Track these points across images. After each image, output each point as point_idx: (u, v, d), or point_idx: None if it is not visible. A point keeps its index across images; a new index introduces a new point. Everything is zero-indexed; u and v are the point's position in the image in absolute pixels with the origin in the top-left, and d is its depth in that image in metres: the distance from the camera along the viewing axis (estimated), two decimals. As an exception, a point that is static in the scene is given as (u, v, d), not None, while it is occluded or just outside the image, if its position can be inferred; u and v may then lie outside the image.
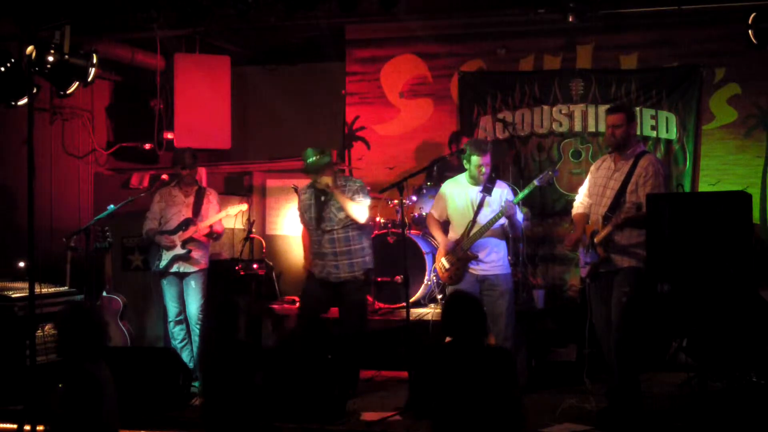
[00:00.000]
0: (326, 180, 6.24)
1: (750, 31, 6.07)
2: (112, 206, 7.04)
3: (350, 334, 6.32)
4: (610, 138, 5.68)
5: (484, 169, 6.20)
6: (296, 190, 6.90)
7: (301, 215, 6.54)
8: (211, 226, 6.86)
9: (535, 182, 6.13)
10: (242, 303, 4.74)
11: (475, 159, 6.19)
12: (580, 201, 5.89)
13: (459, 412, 4.10)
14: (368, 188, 6.68)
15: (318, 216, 6.35)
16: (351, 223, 6.29)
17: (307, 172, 6.31)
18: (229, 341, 4.63)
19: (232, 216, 7.30)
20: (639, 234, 5.35)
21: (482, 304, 4.58)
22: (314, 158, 6.23)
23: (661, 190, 5.50)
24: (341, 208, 6.28)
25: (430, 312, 7.22)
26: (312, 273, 6.45)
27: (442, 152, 8.09)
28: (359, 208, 6.26)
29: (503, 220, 6.12)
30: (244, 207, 7.30)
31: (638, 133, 7.53)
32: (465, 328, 4.28)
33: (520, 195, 6.22)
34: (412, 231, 7.47)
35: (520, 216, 6.30)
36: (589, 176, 5.89)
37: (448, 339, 6.53)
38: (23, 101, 5.74)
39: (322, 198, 6.35)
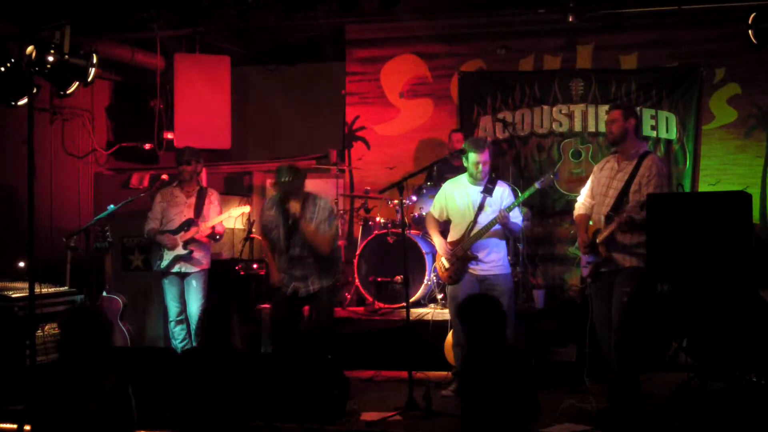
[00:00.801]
0: (295, 207, 6.04)
1: (750, 31, 6.07)
2: (112, 206, 7.03)
3: (323, 333, 6.25)
4: (609, 134, 5.70)
5: (481, 167, 6.19)
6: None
7: (266, 232, 6.29)
8: (212, 227, 6.87)
9: (536, 185, 6.10)
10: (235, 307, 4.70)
11: (472, 156, 6.18)
12: (582, 202, 5.88)
13: (486, 408, 4.23)
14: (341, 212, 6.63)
15: (287, 239, 6.15)
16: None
17: (278, 190, 6.15)
18: (220, 346, 4.61)
19: (234, 217, 7.29)
20: (641, 234, 5.33)
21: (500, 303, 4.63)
22: (287, 178, 6.02)
23: (664, 190, 5.50)
24: None
25: (430, 312, 7.22)
26: (279, 288, 6.27)
27: (442, 152, 8.10)
28: (322, 242, 6.06)
29: (499, 226, 6.14)
30: (247, 209, 7.30)
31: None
32: (485, 331, 4.37)
33: (521, 198, 6.21)
34: (412, 231, 7.47)
35: (518, 219, 6.29)
36: (592, 176, 5.87)
37: (449, 334, 6.59)
38: (23, 101, 5.74)
39: (290, 221, 6.13)
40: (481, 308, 4.43)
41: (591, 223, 5.72)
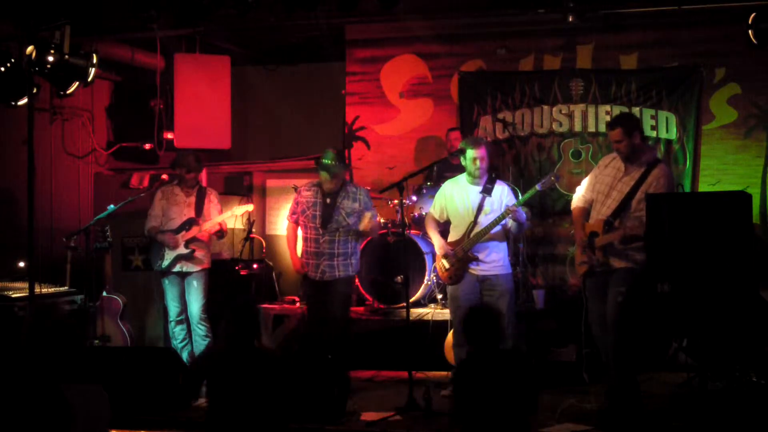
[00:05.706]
0: (330, 185, 6.40)
1: (750, 31, 6.08)
2: (112, 206, 7.04)
3: (338, 329, 6.30)
4: (618, 154, 5.67)
5: (479, 163, 6.19)
6: (296, 189, 6.89)
7: (299, 211, 6.54)
8: (219, 224, 6.88)
9: (537, 187, 6.10)
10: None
11: (470, 152, 6.19)
12: (581, 194, 5.85)
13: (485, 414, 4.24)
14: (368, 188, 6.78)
15: (324, 217, 6.41)
16: (353, 230, 6.39)
17: (320, 170, 6.41)
18: (247, 345, 4.55)
19: (237, 216, 7.30)
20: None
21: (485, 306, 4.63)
22: (332, 162, 6.35)
23: None
24: (350, 215, 6.39)
25: (430, 312, 7.21)
26: (307, 276, 6.51)
27: (442, 152, 8.11)
28: (374, 227, 6.51)
29: (506, 220, 6.12)
30: (251, 207, 7.34)
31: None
32: (484, 339, 4.40)
33: (522, 199, 6.20)
34: (412, 231, 7.47)
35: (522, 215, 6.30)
36: (594, 170, 5.85)
37: (449, 334, 6.59)
38: (23, 101, 5.76)
39: (328, 200, 6.42)
40: (483, 322, 4.45)
41: (588, 220, 5.71)
